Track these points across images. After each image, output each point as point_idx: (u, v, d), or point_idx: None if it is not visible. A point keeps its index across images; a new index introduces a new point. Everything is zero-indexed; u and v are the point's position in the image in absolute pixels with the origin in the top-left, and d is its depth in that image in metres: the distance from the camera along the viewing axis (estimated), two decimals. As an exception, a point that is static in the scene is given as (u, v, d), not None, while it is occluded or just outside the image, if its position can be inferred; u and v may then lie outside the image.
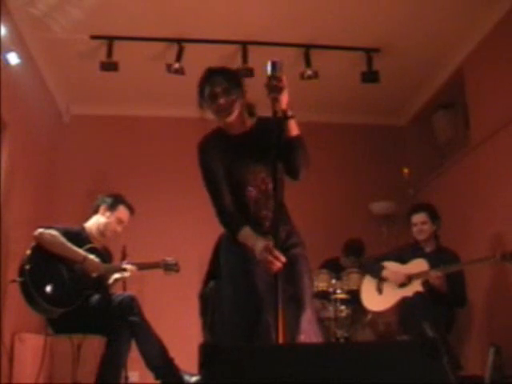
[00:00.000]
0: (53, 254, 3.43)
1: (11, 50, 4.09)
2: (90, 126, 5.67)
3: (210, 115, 2.58)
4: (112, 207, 3.68)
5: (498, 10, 4.28)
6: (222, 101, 2.48)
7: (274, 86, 2.29)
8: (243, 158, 2.48)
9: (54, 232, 3.47)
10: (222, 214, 2.44)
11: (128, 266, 3.66)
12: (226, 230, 2.48)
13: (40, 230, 3.45)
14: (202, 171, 2.55)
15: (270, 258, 2.21)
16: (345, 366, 1.63)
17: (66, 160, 5.54)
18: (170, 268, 3.82)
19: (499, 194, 4.28)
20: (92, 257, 3.49)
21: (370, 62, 4.87)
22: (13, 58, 4.11)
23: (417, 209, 4.22)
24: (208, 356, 1.62)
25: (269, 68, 2.33)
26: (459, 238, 4.83)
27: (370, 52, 4.85)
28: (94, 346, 3.64)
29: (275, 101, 2.28)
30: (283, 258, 2.23)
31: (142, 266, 3.78)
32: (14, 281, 3.37)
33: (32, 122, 4.77)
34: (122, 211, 3.70)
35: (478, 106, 4.70)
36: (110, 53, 4.63)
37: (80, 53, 4.79)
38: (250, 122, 2.56)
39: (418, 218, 4.13)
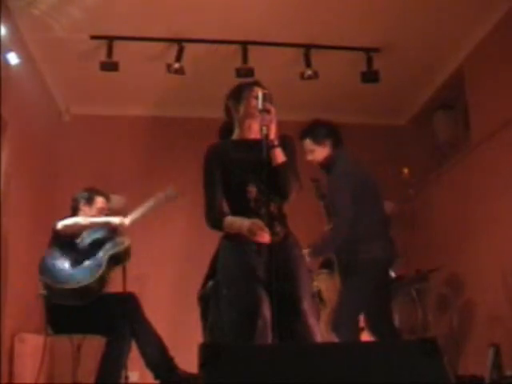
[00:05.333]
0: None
1: (11, 50, 4.09)
2: (90, 125, 5.66)
3: (242, 109, 2.67)
4: (89, 201, 3.80)
5: (497, 10, 4.28)
6: (268, 105, 2.56)
7: (264, 119, 2.47)
8: (248, 160, 2.56)
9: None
10: (210, 215, 2.56)
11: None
12: (212, 227, 2.56)
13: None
14: (203, 172, 2.66)
15: (258, 229, 2.37)
16: (345, 366, 1.63)
17: (66, 160, 5.53)
18: (170, 199, 3.79)
19: (500, 194, 4.28)
20: None
21: (370, 61, 4.86)
22: (13, 58, 4.11)
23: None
24: (208, 356, 1.62)
25: (260, 99, 2.51)
26: (459, 237, 4.84)
27: (370, 52, 4.85)
28: (94, 346, 3.64)
29: (265, 131, 2.45)
30: (268, 232, 2.37)
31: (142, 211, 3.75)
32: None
33: (32, 122, 4.77)
34: (99, 201, 3.82)
35: (478, 105, 4.70)
36: (110, 53, 4.62)
37: (80, 53, 4.79)
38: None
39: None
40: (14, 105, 4.22)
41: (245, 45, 4.69)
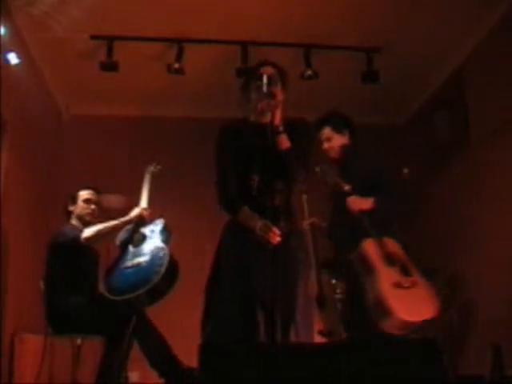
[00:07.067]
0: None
1: (11, 50, 4.09)
2: (90, 125, 5.66)
3: (252, 96, 2.60)
4: (73, 199, 3.80)
5: (497, 10, 4.29)
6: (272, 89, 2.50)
7: (268, 104, 2.42)
8: (255, 146, 2.51)
9: None
10: (223, 197, 2.53)
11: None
12: (225, 211, 2.53)
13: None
14: (215, 153, 2.61)
15: (269, 233, 2.35)
16: (345, 366, 1.63)
17: (66, 160, 5.54)
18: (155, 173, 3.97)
19: (499, 194, 4.28)
20: None
21: (370, 62, 4.87)
22: (13, 58, 4.11)
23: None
24: (208, 356, 1.62)
25: (264, 83, 2.43)
26: (459, 237, 4.83)
27: (369, 52, 4.85)
28: (94, 346, 3.64)
29: (269, 117, 2.41)
30: (279, 233, 2.36)
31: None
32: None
33: (32, 122, 4.77)
34: (82, 194, 3.80)
35: (477, 105, 4.70)
36: (110, 53, 4.63)
37: (80, 53, 4.79)
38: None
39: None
40: (14, 105, 4.22)
41: (245, 45, 4.69)
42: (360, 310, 3.17)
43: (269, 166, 2.38)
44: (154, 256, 3.31)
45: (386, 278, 3.05)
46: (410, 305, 2.95)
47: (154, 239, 3.46)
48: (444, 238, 5.05)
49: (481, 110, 4.64)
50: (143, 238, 3.50)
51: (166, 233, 3.54)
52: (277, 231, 2.36)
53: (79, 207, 3.76)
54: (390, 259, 3.17)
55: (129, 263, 3.36)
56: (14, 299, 4.07)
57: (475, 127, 4.71)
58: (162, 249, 3.35)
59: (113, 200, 4.49)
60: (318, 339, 3.43)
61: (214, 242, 2.69)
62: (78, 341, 3.61)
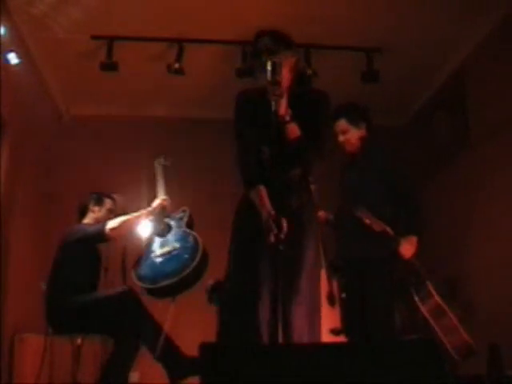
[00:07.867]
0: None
1: (11, 50, 4.09)
2: (90, 126, 5.66)
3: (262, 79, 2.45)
4: (99, 201, 3.86)
5: (497, 11, 4.29)
6: (277, 77, 2.33)
7: (273, 92, 2.29)
8: (266, 118, 2.36)
9: None
10: (245, 166, 2.47)
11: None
12: (243, 182, 2.49)
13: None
14: (234, 120, 2.56)
15: (271, 228, 2.25)
16: (345, 366, 1.63)
17: (66, 160, 5.54)
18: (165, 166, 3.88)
19: (499, 195, 4.28)
20: None
21: (370, 62, 4.87)
22: (13, 58, 4.11)
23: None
24: (208, 356, 1.62)
25: (269, 70, 2.30)
26: (459, 237, 4.83)
27: (369, 52, 4.85)
28: (94, 346, 3.64)
29: (274, 107, 2.29)
30: (284, 229, 2.25)
31: None
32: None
33: (32, 122, 4.77)
34: (108, 202, 3.89)
35: (477, 105, 4.70)
36: (110, 53, 4.63)
37: (80, 53, 4.79)
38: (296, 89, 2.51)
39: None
40: (14, 105, 4.22)
41: (244, 45, 4.70)
42: (360, 311, 3.18)
43: (279, 140, 2.27)
44: (186, 243, 3.34)
45: (454, 316, 3.38)
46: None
47: (180, 228, 3.50)
48: (443, 238, 5.05)
49: (481, 110, 4.64)
50: (169, 227, 3.54)
51: (190, 221, 3.58)
52: (275, 232, 2.24)
53: (102, 212, 3.83)
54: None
55: (158, 252, 3.39)
56: (13, 299, 4.07)
57: (475, 128, 4.71)
58: (193, 236, 3.37)
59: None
60: (329, 337, 3.42)
61: (221, 236, 2.69)
62: (78, 341, 3.61)
